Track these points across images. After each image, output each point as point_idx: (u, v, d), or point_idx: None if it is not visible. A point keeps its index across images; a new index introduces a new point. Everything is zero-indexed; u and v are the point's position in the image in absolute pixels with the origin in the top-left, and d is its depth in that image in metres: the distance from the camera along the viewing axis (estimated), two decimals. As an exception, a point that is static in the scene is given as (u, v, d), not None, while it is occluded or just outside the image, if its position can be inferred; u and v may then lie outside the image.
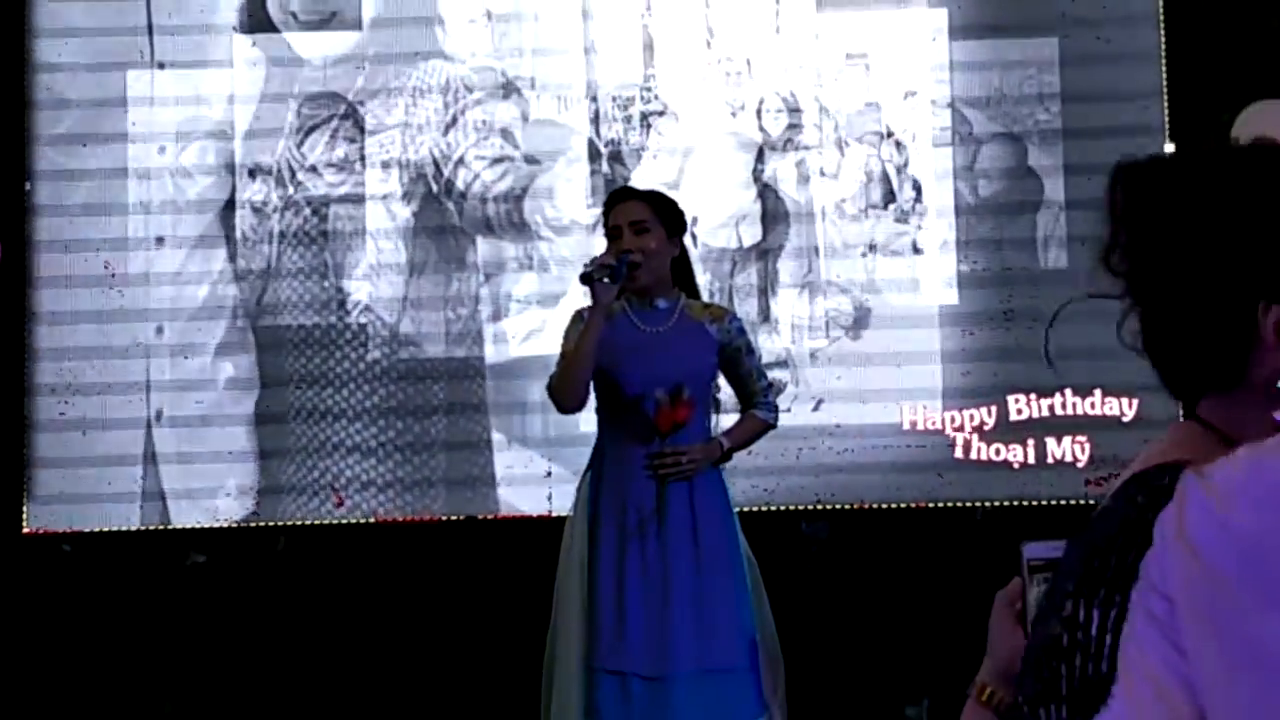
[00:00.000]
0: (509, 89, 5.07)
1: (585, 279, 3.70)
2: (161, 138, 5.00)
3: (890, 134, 4.92)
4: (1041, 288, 4.89)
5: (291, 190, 4.98)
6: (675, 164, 5.04)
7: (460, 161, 5.05)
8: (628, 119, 4.99)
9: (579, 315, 3.85)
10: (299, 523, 4.96)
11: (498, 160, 5.04)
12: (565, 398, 3.79)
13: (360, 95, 5.06)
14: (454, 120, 5.06)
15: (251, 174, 4.95)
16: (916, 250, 4.98)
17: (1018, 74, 4.88)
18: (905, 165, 4.92)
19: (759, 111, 4.99)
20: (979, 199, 4.95)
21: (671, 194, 4.10)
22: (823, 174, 4.98)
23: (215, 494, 4.94)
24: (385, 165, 5.01)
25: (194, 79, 4.99)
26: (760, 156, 5.02)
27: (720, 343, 3.87)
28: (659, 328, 3.85)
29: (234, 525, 4.90)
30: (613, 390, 3.80)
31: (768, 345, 4.95)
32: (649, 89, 5.01)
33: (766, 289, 4.97)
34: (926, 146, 4.96)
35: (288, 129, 4.97)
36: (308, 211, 5.00)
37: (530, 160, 5.09)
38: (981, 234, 4.93)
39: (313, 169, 5.00)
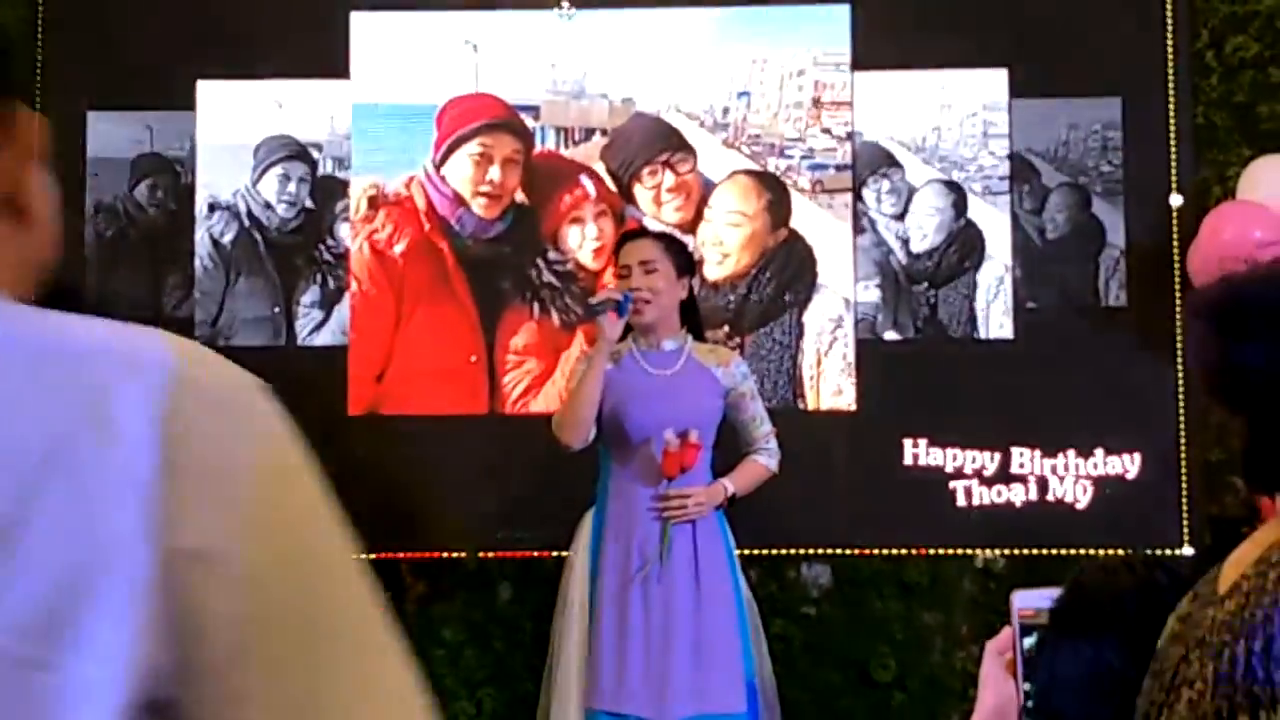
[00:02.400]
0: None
1: (589, 311, 3.77)
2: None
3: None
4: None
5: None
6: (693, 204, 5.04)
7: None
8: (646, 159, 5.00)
9: (586, 358, 3.91)
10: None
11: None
12: (569, 435, 3.79)
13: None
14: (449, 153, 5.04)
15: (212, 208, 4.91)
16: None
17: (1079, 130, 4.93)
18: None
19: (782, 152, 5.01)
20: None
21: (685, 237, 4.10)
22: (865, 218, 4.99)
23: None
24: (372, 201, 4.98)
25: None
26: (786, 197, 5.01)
27: (726, 387, 3.89)
28: (667, 370, 3.87)
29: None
30: (619, 432, 3.80)
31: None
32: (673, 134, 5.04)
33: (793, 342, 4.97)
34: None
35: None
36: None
37: (533, 197, 5.05)
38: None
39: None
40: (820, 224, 5.03)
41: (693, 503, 3.73)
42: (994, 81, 4.88)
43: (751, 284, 4.96)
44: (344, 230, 4.90)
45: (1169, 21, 4.80)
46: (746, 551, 4.25)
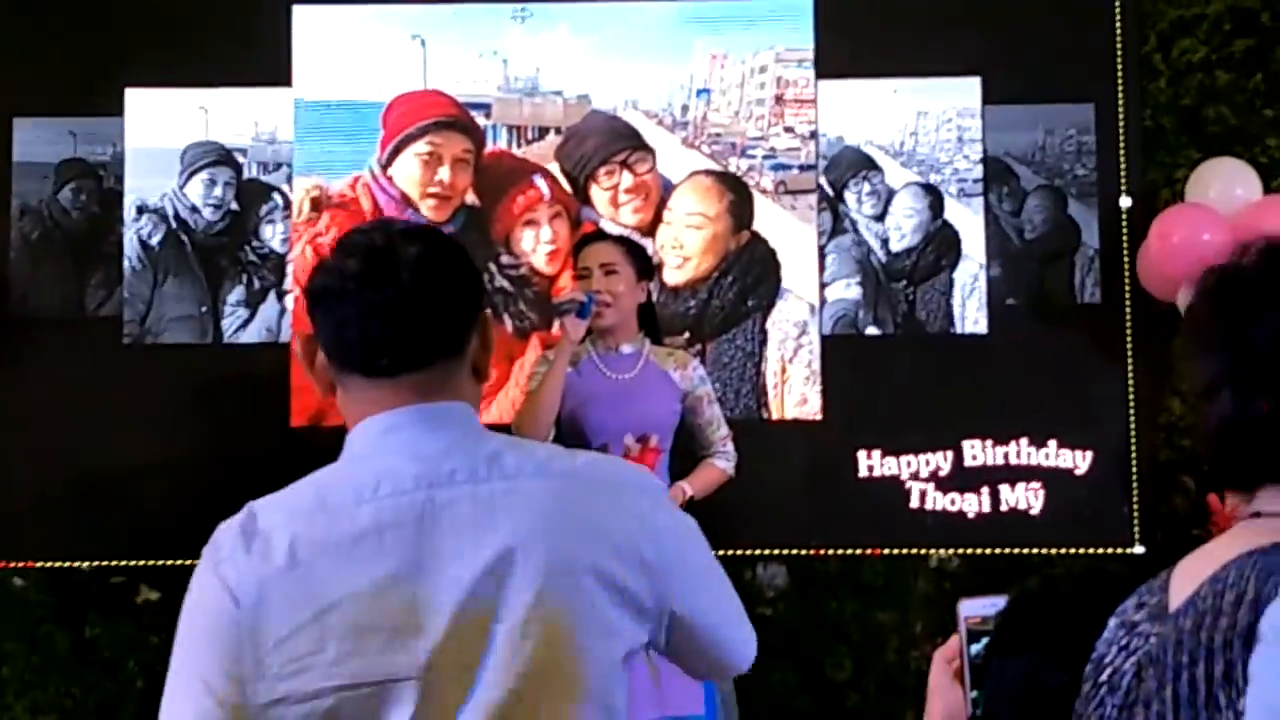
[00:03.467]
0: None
1: (555, 311, 3.75)
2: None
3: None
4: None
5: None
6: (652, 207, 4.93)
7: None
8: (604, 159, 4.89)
9: (543, 357, 3.85)
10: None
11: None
12: (529, 437, 3.58)
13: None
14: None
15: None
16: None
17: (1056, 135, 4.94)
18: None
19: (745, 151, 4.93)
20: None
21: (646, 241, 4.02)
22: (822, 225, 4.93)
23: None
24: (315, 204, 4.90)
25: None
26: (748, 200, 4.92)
27: (684, 390, 3.88)
28: (625, 374, 3.84)
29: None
30: (577, 437, 3.74)
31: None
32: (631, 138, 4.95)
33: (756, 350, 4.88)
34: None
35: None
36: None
37: (485, 198, 4.92)
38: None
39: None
40: (784, 226, 4.92)
41: None
42: (967, 89, 4.89)
43: (713, 289, 4.86)
44: (268, 232, 4.84)
45: (1118, 26, 4.82)
46: None
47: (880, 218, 4.87)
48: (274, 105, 4.88)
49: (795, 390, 4.85)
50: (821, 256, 4.86)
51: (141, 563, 4.68)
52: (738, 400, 4.81)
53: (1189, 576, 1.28)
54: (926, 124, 4.87)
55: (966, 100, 4.87)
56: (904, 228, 4.88)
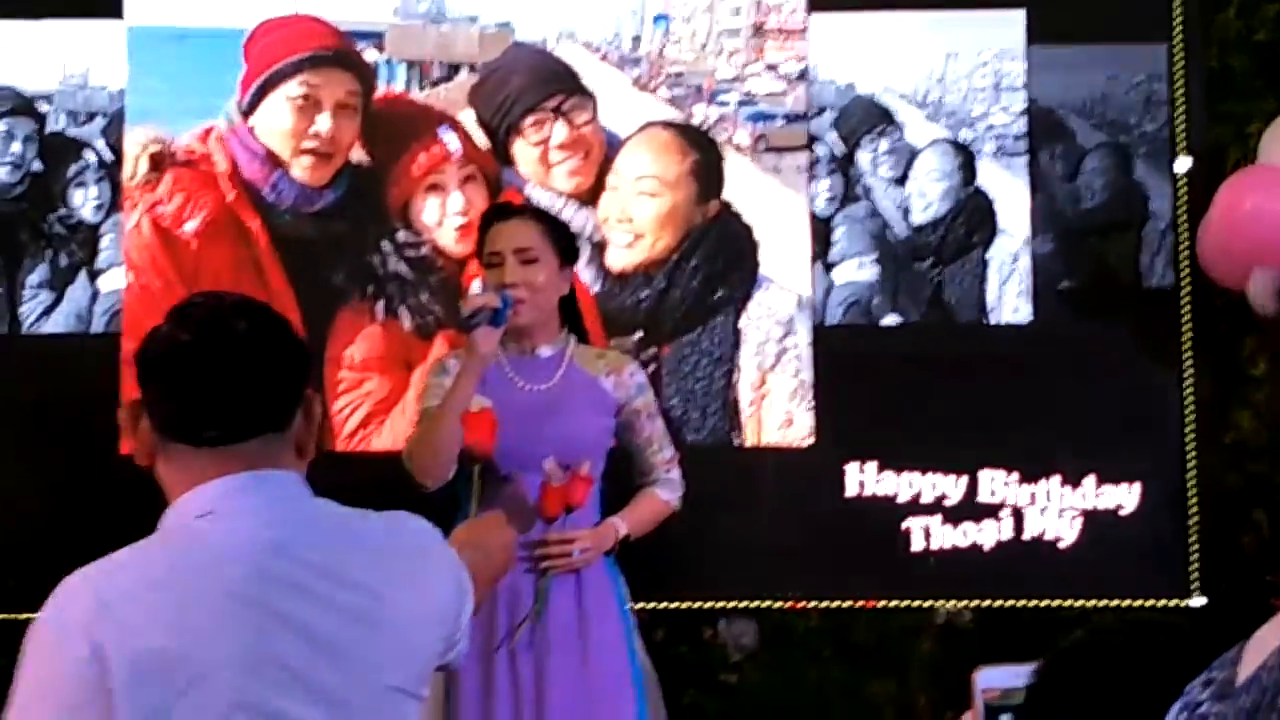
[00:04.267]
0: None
1: (462, 325, 3.61)
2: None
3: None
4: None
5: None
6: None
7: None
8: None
9: (441, 365, 3.74)
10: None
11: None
12: (426, 470, 3.58)
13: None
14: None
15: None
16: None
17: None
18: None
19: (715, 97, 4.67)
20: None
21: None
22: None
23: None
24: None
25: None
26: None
27: (618, 402, 3.78)
28: (542, 384, 3.72)
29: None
30: (482, 464, 3.62)
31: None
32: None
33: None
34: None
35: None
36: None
37: (376, 156, 4.64)
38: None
39: None
40: (764, 194, 4.62)
41: (578, 548, 3.57)
42: (1008, 25, 4.71)
43: (671, 275, 4.61)
44: (78, 197, 4.63)
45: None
46: (649, 605, 4.22)
47: (900, 182, 4.68)
48: (86, 39, 4.64)
49: (777, 407, 4.59)
50: (827, 230, 4.65)
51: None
52: (703, 420, 4.58)
53: (1260, 647, 1.23)
54: (957, 68, 4.70)
55: (1007, 39, 4.69)
56: (929, 195, 4.67)
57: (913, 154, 4.72)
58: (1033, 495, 4.55)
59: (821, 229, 4.66)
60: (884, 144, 4.72)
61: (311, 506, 1.94)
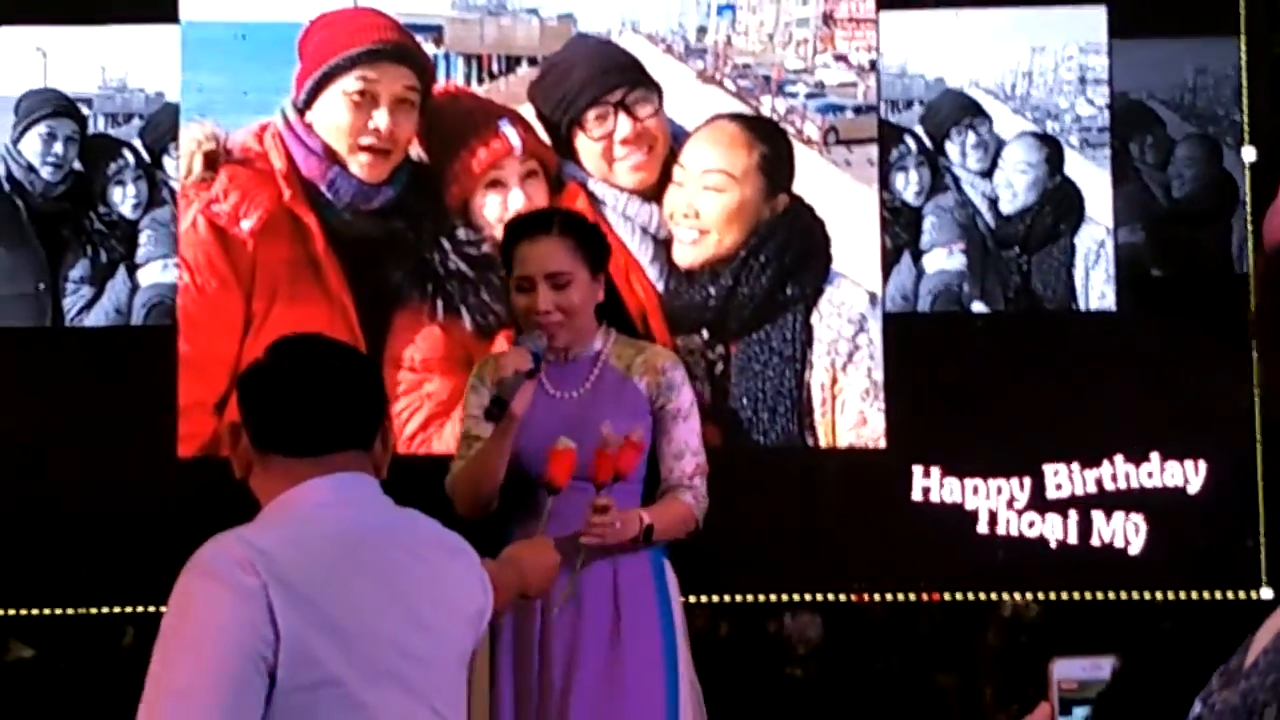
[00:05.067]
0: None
1: (496, 413, 3.42)
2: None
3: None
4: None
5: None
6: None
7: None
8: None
9: (474, 381, 3.66)
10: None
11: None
12: (465, 507, 3.51)
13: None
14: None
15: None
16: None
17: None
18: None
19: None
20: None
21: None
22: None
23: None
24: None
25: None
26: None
27: (652, 401, 3.65)
28: (574, 391, 3.62)
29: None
30: (516, 475, 3.52)
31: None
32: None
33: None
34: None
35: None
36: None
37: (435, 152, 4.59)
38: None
39: None
40: (835, 188, 4.55)
41: (617, 519, 3.41)
42: (1090, 20, 4.69)
43: (740, 271, 4.54)
44: (117, 195, 4.67)
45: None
46: (713, 599, 4.28)
47: (988, 174, 4.68)
48: (127, 43, 4.69)
49: (850, 408, 4.54)
50: (917, 219, 4.62)
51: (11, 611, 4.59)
52: (772, 421, 4.50)
53: (1268, 631, 1.19)
54: (1042, 62, 4.71)
55: (1090, 34, 4.71)
56: (1016, 185, 4.68)
57: (1000, 145, 4.70)
58: (1100, 485, 4.51)
59: (911, 217, 4.64)
60: (972, 136, 4.71)
61: (390, 502, 2.32)
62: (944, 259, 4.65)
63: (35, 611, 4.59)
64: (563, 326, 3.55)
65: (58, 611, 4.57)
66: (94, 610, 4.68)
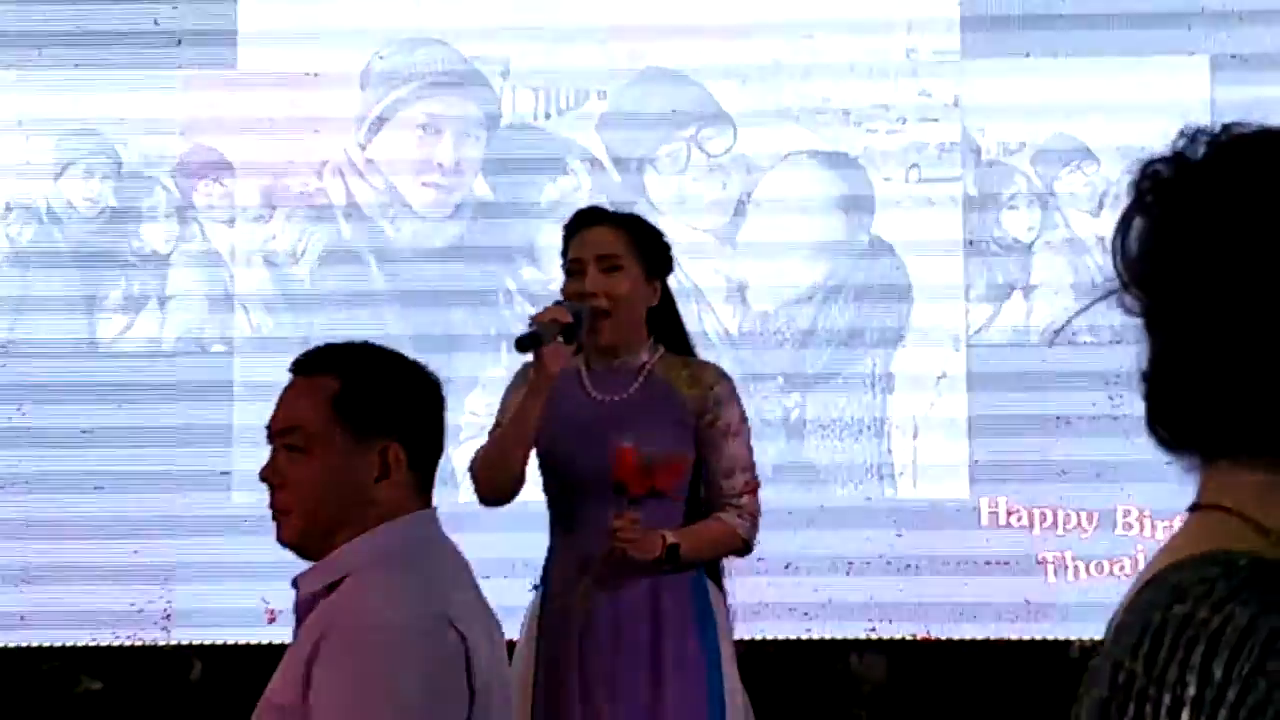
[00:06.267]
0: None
1: (525, 344, 3.36)
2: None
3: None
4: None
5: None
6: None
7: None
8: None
9: (524, 372, 3.53)
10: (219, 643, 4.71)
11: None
12: (489, 486, 3.45)
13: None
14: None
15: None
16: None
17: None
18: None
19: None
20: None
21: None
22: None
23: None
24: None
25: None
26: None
27: (697, 414, 3.53)
28: (616, 395, 3.51)
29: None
30: (558, 478, 3.48)
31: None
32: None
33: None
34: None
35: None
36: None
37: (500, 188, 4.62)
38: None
39: None
40: (918, 227, 4.54)
41: (641, 534, 3.35)
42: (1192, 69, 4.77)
43: (817, 314, 4.56)
44: (150, 231, 4.77)
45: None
46: (779, 638, 4.35)
47: (1096, 214, 4.69)
48: (156, 81, 4.77)
49: (932, 456, 4.54)
50: (1028, 256, 4.68)
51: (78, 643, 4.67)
52: (850, 473, 4.51)
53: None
54: (1146, 108, 4.67)
55: (1191, 83, 4.78)
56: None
57: (1108, 186, 4.66)
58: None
59: (1022, 255, 4.68)
60: (1081, 177, 4.72)
61: None
62: (1052, 296, 4.63)
63: (104, 643, 4.62)
64: (609, 316, 3.46)
65: (126, 644, 4.60)
66: (162, 644, 4.71)
